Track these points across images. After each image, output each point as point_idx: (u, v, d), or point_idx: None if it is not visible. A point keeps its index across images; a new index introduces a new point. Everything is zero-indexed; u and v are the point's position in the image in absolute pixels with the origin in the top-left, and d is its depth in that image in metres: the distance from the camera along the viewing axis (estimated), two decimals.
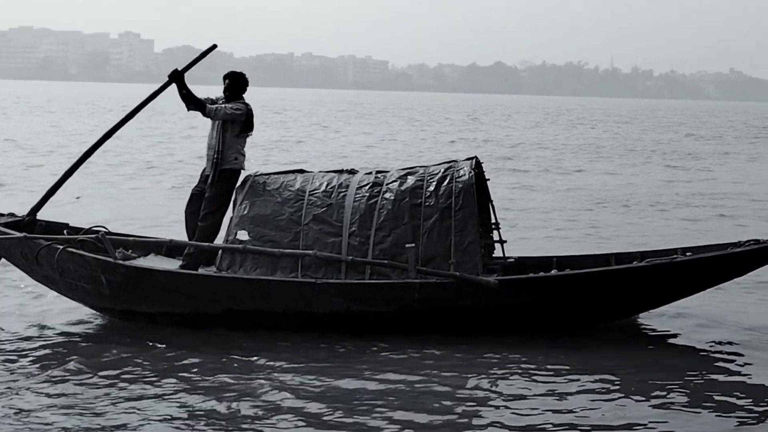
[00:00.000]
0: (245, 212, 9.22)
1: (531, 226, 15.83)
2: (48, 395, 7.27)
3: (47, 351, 8.54)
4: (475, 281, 8.57)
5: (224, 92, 9.74)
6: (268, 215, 9.17)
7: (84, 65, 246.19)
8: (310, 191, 9.22)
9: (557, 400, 7.24)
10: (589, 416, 6.90)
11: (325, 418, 6.84)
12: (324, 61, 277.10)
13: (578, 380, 7.65)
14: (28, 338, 8.94)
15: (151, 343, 8.65)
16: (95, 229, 9.67)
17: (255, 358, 8.22)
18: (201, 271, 9.29)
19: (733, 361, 8.32)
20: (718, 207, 19.06)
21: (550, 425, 6.74)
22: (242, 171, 9.67)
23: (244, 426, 6.71)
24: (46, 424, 6.69)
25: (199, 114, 9.60)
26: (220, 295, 8.91)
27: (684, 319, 9.48)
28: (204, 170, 9.71)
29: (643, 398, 7.26)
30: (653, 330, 9.21)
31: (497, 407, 7.10)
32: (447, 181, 9.01)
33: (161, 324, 9.15)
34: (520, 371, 7.88)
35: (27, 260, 9.57)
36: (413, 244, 8.73)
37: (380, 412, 6.93)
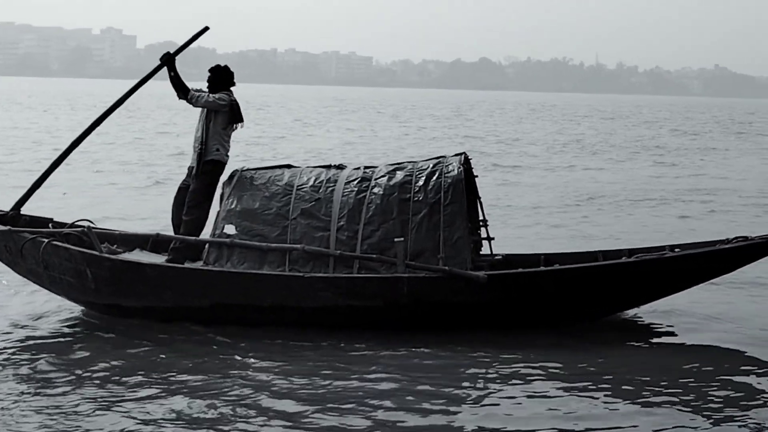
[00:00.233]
0: (232, 206, 9.18)
1: (518, 223, 15.81)
2: (21, 393, 7.19)
3: (22, 347, 8.44)
4: (464, 276, 8.55)
5: (207, 85, 9.72)
6: (255, 209, 9.13)
7: (65, 61, 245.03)
8: (298, 186, 9.19)
9: (544, 399, 7.19)
10: (578, 416, 6.84)
11: (307, 418, 6.76)
12: (307, 57, 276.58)
13: (566, 379, 7.59)
14: (4, 334, 8.85)
15: (131, 340, 8.57)
16: (80, 223, 9.57)
17: (237, 355, 8.15)
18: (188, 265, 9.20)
19: (721, 358, 8.32)
20: (707, 203, 19.11)
21: (538, 424, 6.70)
22: (225, 164, 9.61)
23: (224, 426, 6.64)
24: (21, 422, 6.61)
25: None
26: (207, 289, 8.86)
27: (671, 315, 9.45)
28: (191, 164, 9.67)
29: (631, 397, 7.21)
30: (640, 327, 9.19)
31: (483, 407, 7.05)
32: (436, 176, 9.00)
33: (147, 319, 9.07)
34: (506, 370, 7.81)
35: (11, 254, 9.50)
36: (402, 238, 8.71)
37: (363, 412, 6.86)
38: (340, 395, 7.18)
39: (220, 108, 9.51)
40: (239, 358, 8.09)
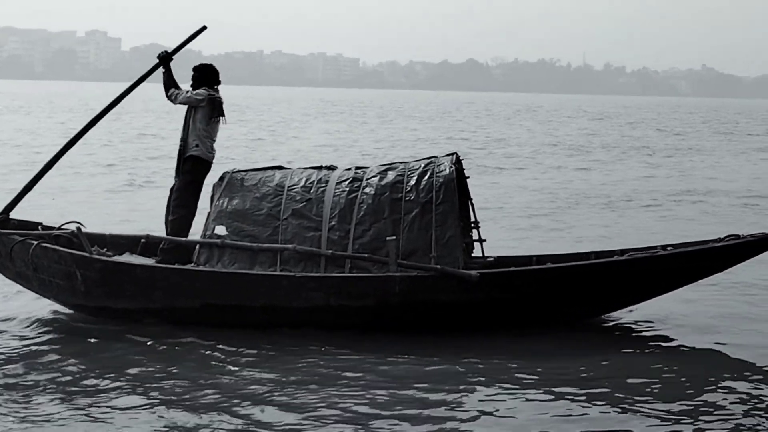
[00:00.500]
0: (223, 207, 9.15)
1: (509, 225, 15.79)
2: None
3: (5, 352, 8.35)
4: (456, 274, 8.53)
5: (192, 83, 9.73)
6: (246, 210, 9.10)
7: (50, 64, 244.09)
8: (289, 186, 9.17)
9: (535, 403, 7.14)
10: (569, 420, 6.80)
11: (291, 425, 6.70)
12: (294, 58, 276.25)
13: (557, 383, 7.53)
14: None
15: (113, 344, 8.51)
16: (70, 225, 9.51)
17: (222, 360, 8.10)
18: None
19: (713, 361, 8.29)
20: (697, 203, 19.15)
21: (528, 430, 6.66)
22: (209, 161, 9.58)
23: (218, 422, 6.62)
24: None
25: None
26: (197, 289, 8.82)
27: (662, 319, 9.42)
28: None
29: (623, 401, 7.15)
30: (630, 330, 9.14)
31: (474, 413, 6.98)
32: (428, 176, 8.99)
33: (137, 321, 9.01)
34: (496, 375, 7.73)
35: (0, 257, 9.41)
36: (394, 237, 8.68)
37: (351, 419, 6.79)
38: (324, 401, 7.11)
39: (197, 103, 9.52)
40: (224, 363, 8.03)
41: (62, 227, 9.55)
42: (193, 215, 9.56)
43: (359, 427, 6.65)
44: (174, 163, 9.80)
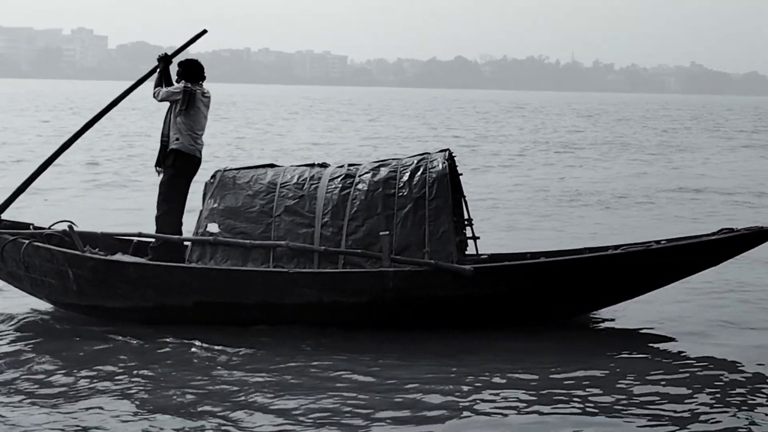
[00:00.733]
0: (215, 205, 9.13)
1: (501, 222, 15.77)
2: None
3: None
4: (450, 269, 8.51)
5: (177, 79, 9.75)
6: (238, 207, 9.09)
7: (36, 62, 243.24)
8: (281, 184, 9.17)
9: (521, 406, 7.06)
10: (557, 424, 6.75)
11: (283, 419, 6.67)
12: (281, 56, 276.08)
13: (544, 385, 7.47)
14: None
15: (110, 339, 8.49)
16: (62, 223, 9.47)
17: (212, 359, 8.03)
18: None
19: (699, 360, 8.24)
20: (689, 200, 19.14)
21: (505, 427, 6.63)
22: (193, 155, 9.54)
23: (205, 425, 6.56)
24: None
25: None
26: (190, 286, 8.78)
27: (652, 318, 9.39)
28: None
29: (609, 404, 7.09)
30: (617, 330, 9.10)
31: (461, 413, 6.92)
32: (420, 171, 8.98)
33: (129, 319, 8.97)
34: (482, 377, 7.65)
35: None
36: (387, 232, 8.67)
37: (336, 421, 6.74)
38: (313, 401, 7.05)
39: (174, 97, 9.54)
40: (211, 361, 7.97)
41: (53, 226, 9.50)
42: (180, 211, 9.53)
43: (348, 427, 6.60)
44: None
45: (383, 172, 9.07)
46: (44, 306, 9.61)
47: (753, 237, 8.59)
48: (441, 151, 9.30)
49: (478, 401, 7.11)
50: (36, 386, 7.35)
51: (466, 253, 9.63)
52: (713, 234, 8.71)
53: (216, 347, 8.23)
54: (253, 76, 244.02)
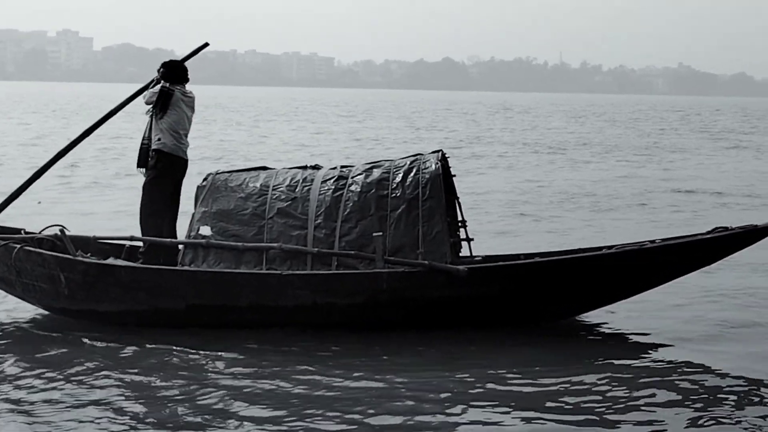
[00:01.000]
0: (207, 208, 9.10)
1: (495, 223, 15.73)
2: None
3: None
4: (444, 269, 8.48)
5: (160, 80, 9.72)
6: (231, 210, 9.05)
7: (21, 64, 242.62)
8: (273, 186, 9.14)
9: (512, 409, 7.03)
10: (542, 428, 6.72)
11: (271, 424, 6.60)
12: (268, 58, 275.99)
13: (529, 388, 7.45)
14: None
15: (93, 343, 8.42)
16: (53, 228, 9.41)
17: (206, 360, 7.98)
18: None
19: (676, 359, 8.22)
20: (681, 201, 19.13)
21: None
22: (176, 155, 9.52)
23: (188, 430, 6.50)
24: None
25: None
26: (182, 289, 8.73)
27: (634, 321, 9.35)
28: None
29: (591, 407, 7.06)
30: (605, 331, 9.06)
31: (447, 416, 6.90)
32: (414, 172, 8.95)
33: (121, 323, 8.91)
34: (470, 379, 7.61)
35: None
36: (381, 233, 8.64)
37: (327, 422, 6.70)
38: (305, 404, 7.00)
39: (153, 98, 9.56)
40: (207, 363, 7.92)
41: (45, 231, 9.42)
42: (164, 212, 9.50)
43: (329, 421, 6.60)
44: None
45: (376, 173, 9.04)
46: (33, 311, 9.53)
47: (747, 235, 8.59)
48: (434, 151, 9.28)
49: (468, 408, 7.04)
50: (15, 392, 7.26)
51: (460, 254, 9.60)
52: (708, 233, 8.69)
53: (204, 352, 8.16)
54: (239, 78, 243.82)
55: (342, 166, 9.37)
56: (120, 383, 7.45)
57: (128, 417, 6.75)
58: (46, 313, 9.49)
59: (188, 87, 9.81)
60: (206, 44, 10.05)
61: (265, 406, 6.95)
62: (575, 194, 20.15)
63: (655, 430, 6.65)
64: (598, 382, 7.54)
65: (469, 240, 9.67)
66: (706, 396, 7.31)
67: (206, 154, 28.13)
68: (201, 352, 8.18)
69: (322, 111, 73.07)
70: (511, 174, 25.00)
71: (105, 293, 8.89)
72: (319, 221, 8.87)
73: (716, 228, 8.70)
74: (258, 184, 9.15)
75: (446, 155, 9.34)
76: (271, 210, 8.97)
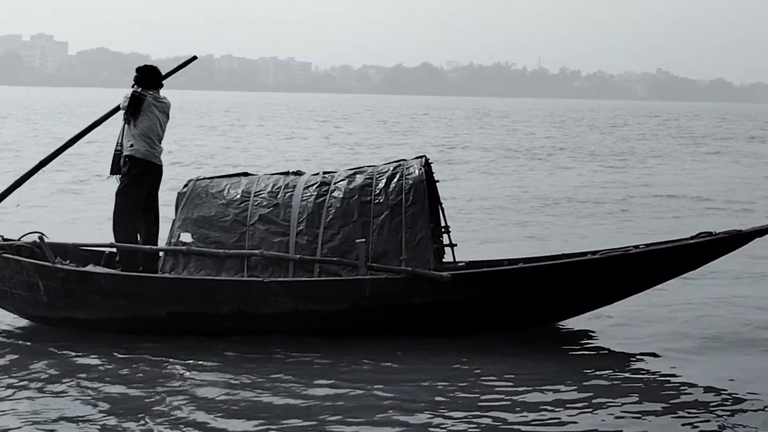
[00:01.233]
0: (188, 214, 9.03)
1: (477, 229, 15.70)
2: None
3: None
4: (428, 276, 8.45)
5: (133, 84, 9.67)
6: (212, 217, 8.98)
7: None
8: (255, 192, 9.08)
9: (492, 413, 7.01)
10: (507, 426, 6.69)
11: None
12: (244, 63, 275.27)
13: (498, 389, 7.44)
14: None
15: (69, 352, 8.32)
16: (32, 235, 9.31)
17: (179, 368, 7.90)
18: None
19: (659, 369, 8.19)
20: (662, 207, 19.17)
21: None
22: (149, 161, 9.44)
23: None
24: None
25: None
26: (163, 297, 8.67)
27: (611, 323, 9.35)
28: None
29: (572, 419, 7.01)
30: (578, 335, 9.05)
31: (415, 421, 6.85)
32: (397, 178, 8.92)
33: (101, 331, 8.82)
34: (439, 384, 7.58)
35: None
36: (363, 240, 8.60)
37: (312, 428, 6.65)
38: (285, 413, 6.93)
39: (125, 104, 9.50)
40: (186, 372, 7.83)
41: (24, 238, 9.34)
42: (136, 219, 9.41)
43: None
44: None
45: (359, 179, 9.00)
46: (11, 318, 9.41)
47: (731, 241, 8.60)
48: (417, 157, 9.25)
49: (450, 415, 6.97)
50: None
51: (444, 260, 9.55)
52: (692, 238, 8.71)
53: (183, 360, 8.07)
54: (215, 83, 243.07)
55: (324, 172, 9.32)
56: (95, 394, 7.33)
57: (98, 430, 6.64)
58: (25, 321, 9.38)
59: (163, 92, 9.75)
60: (194, 57, 10.11)
61: (245, 418, 6.84)
62: (557, 199, 20.16)
63: None
64: (579, 393, 7.47)
65: (452, 245, 9.63)
66: (689, 407, 7.24)
67: (179, 159, 27.98)
68: (180, 360, 8.09)
69: (298, 116, 72.92)
70: (493, 179, 25.02)
71: (84, 301, 8.81)
72: (301, 228, 8.81)
73: (700, 233, 8.71)
74: (239, 191, 9.09)
75: (429, 161, 9.30)
76: (253, 216, 8.90)
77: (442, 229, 9.70)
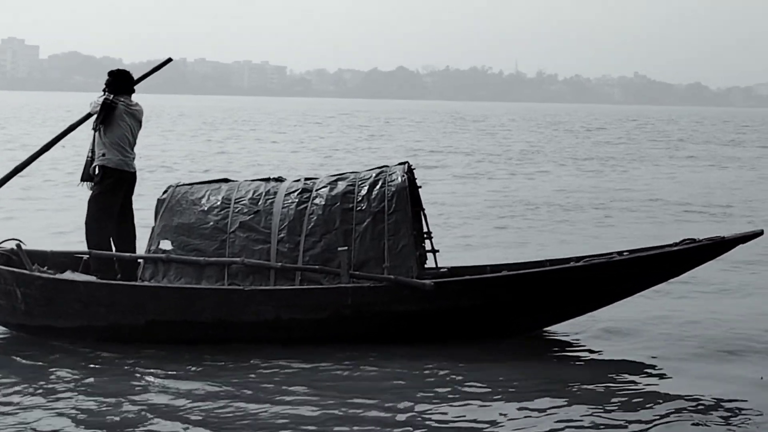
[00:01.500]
0: (167, 221, 8.94)
1: (459, 234, 15.65)
2: None
3: None
4: (410, 284, 8.41)
5: (104, 88, 9.53)
6: (192, 224, 8.90)
7: None
8: (236, 199, 9.00)
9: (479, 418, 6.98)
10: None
11: None
12: (218, 66, 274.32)
13: (481, 397, 7.39)
14: None
15: (44, 363, 8.19)
16: (9, 242, 9.18)
17: (163, 377, 7.81)
18: None
19: (644, 372, 8.20)
20: (642, 212, 19.20)
21: None
22: (121, 170, 9.34)
23: None
24: None
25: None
26: (143, 305, 8.57)
27: (597, 329, 9.33)
28: None
29: (543, 413, 7.02)
30: (563, 343, 9.02)
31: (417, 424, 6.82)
32: (379, 185, 8.87)
33: (79, 339, 8.71)
34: (420, 393, 7.51)
35: None
36: (345, 248, 8.54)
37: None
38: (265, 423, 6.84)
39: (95, 110, 9.37)
40: (164, 381, 7.74)
41: (0, 245, 9.21)
42: (109, 226, 9.31)
43: None
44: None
45: (341, 186, 8.93)
46: None
47: (715, 247, 8.62)
48: (400, 163, 9.20)
49: (431, 425, 6.91)
50: None
51: (426, 266, 9.50)
52: (675, 245, 8.72)
53: (162, 370, 7.98)
54: (188, 87, 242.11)
55: (306, 179, 9.25)
56: (70, 405, 7.20)
57: None
58: (1, 329, 9.25)
59: (135, 97, 9.64)
60: (170, 59, 10.06)
61: (223, 428, 6.76)
62: (537, 204, 20.16)
63: None
64: (563, 401, 7.42)
65: (434, 251, 9.58)
66: (674, 415, 7.19)
67: (152, 164, 27.78)
68: (159, 370, 8.00)
69: (272, 120, 72.73)
70: (472, 183, 25.02)
71: (63, 309, 8.71)
72: (282, 235, 8.73)
73: (684, 240, 8.73)
74: (220, 197, 9.00)
75: (412, 167, 9.25)
76: (233, 224, 8.82)
77: (425, 235, 9.65)
